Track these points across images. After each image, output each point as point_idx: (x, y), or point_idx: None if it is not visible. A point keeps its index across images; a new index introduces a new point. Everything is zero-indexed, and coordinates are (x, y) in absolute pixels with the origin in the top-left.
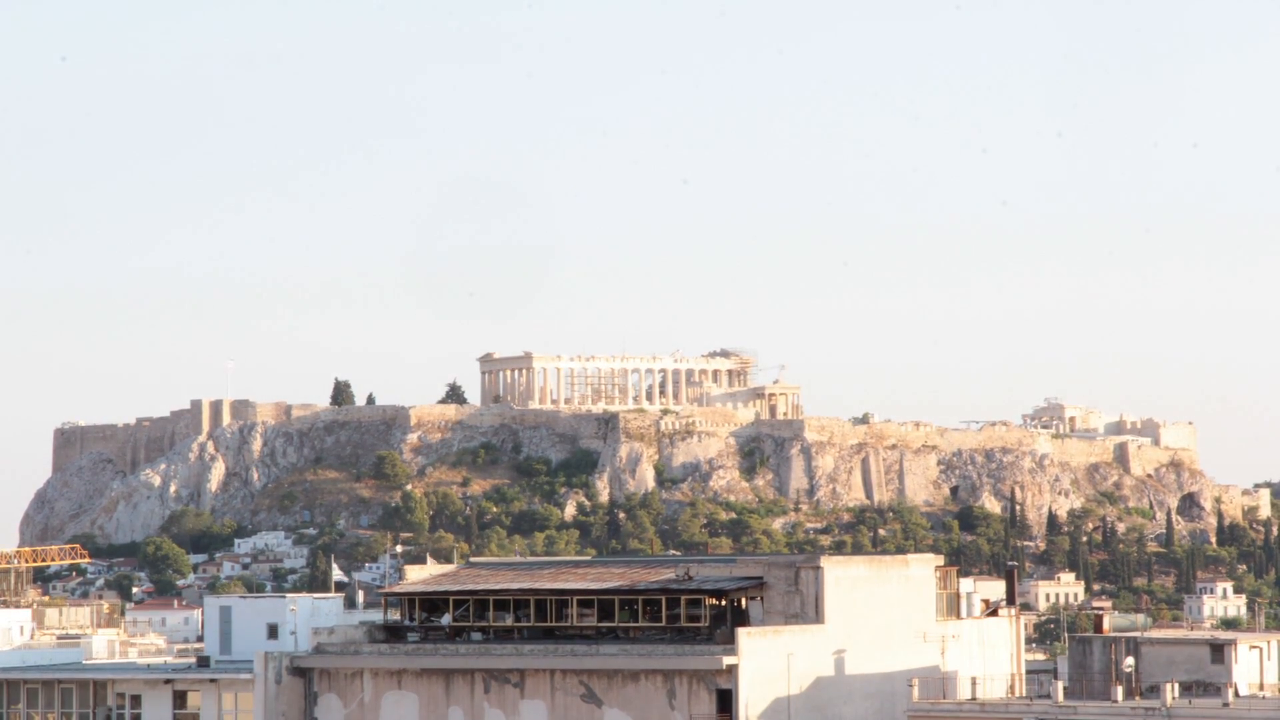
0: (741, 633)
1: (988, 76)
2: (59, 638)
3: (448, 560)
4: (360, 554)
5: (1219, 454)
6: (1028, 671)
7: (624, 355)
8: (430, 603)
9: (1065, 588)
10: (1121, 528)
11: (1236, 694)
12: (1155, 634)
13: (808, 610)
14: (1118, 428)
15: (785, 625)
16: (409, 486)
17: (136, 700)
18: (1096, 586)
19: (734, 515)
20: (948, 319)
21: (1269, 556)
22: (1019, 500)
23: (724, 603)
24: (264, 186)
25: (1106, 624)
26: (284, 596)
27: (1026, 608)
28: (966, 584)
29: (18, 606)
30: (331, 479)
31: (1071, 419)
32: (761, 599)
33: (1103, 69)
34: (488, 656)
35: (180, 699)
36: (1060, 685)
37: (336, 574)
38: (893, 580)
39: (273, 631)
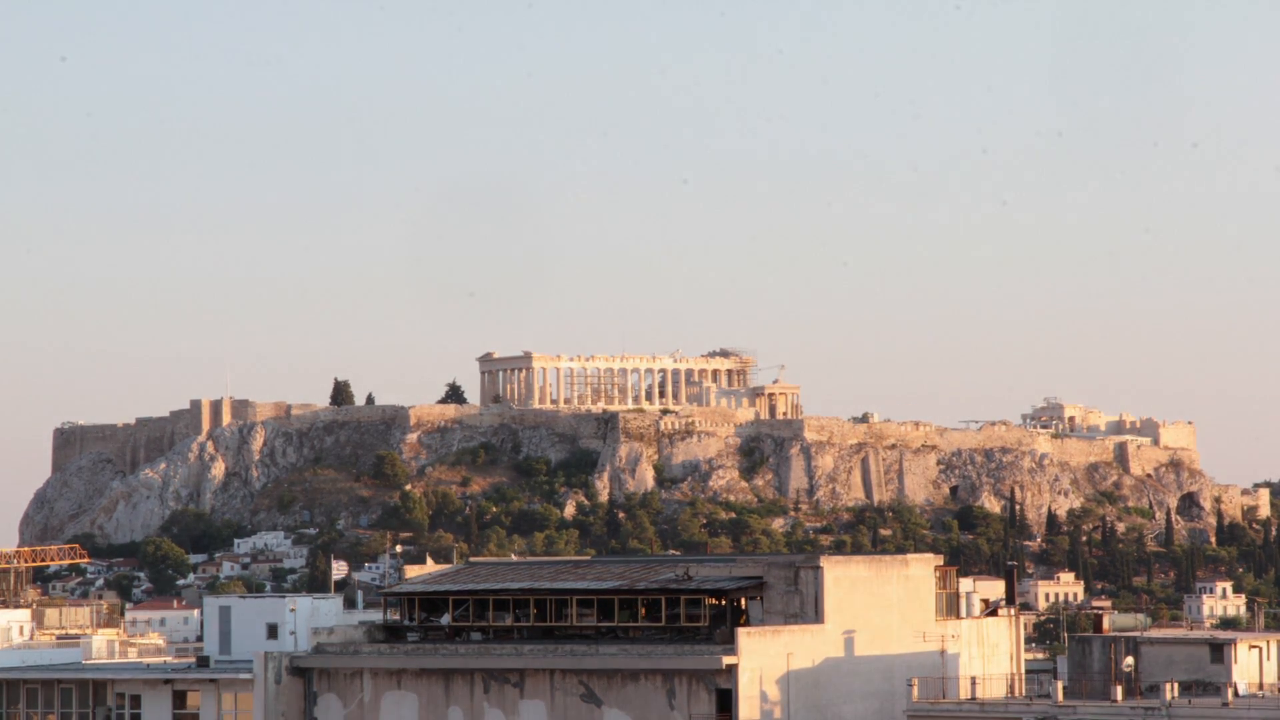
0: (741, 633)
1: (988, 76)
2: (58, 638)
3: (447, 560)
4: (360, 554)
5: (1219, 454)
6: (1027, 671)
7: (624, 355)
8: (430, 603)
9: (1065, 587)
10: (1121, 527)
11: (1236, 694)
12: (1155, 634)
13: (807, 610)
14: (1117, 427)
15: (785, 625)
16: (408, 486)
17: (136, 700)
18: (1097, 586)
19: (734, 515)
20: (948, 319)
21: (1268, 556)
22: (1019, 500)
23: (724, 603)
24: (264, 186)
25: (1106, 624)
26: (284, 596)
27: (1026, 607)
28: (966, 584)
29: (17, 606)
30: (331, 479)
31: (1071, 419)
32: (761, 599)
33: (1103, 69)
34: (487, 656)
35: (180, 699)
36: (1060, 685)
37: (339, 572)
38: (892, 580)
39: (272, 631)
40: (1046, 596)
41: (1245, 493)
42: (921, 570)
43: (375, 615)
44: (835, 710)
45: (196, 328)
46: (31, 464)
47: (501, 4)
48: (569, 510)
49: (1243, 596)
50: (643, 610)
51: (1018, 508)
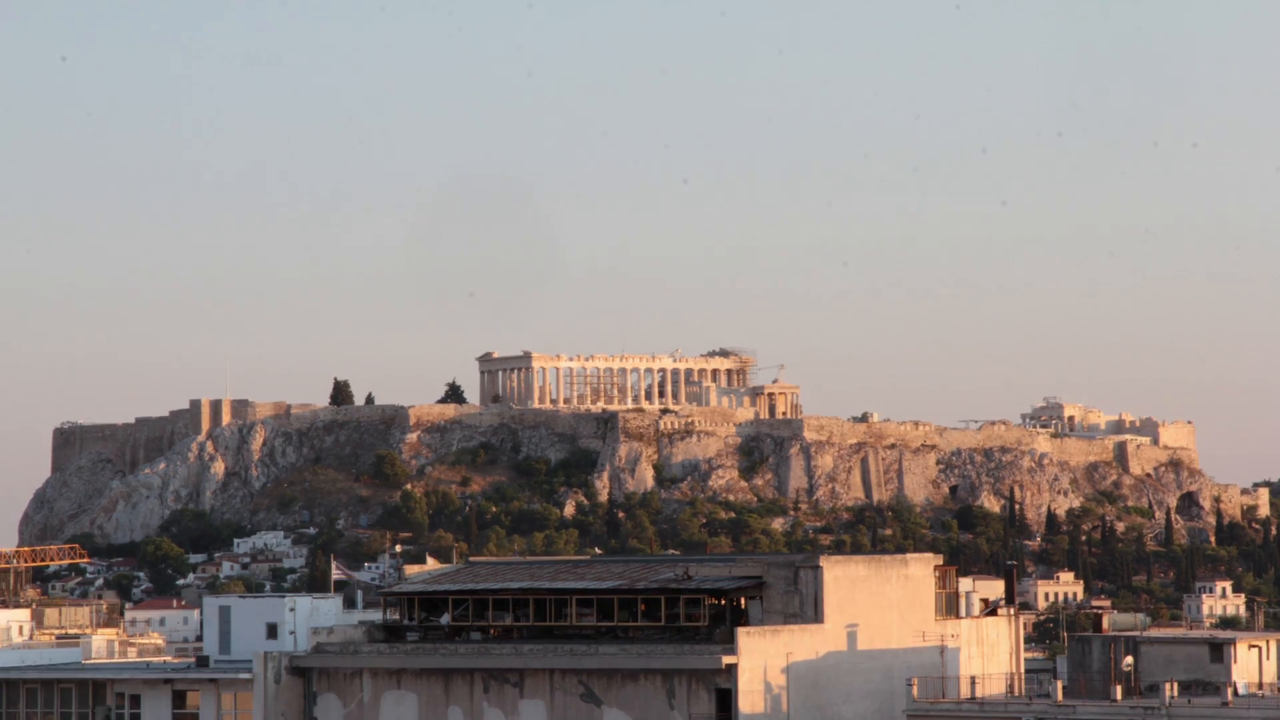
0: (741, 632)
1: (988, 76)
2: (58, 637)
3: (447, 560)
4: (360, 554)
5: (1218, 453)
6: (1027, 671)
7: (623, 355)
8: (430, 602)
9: (1064, 587)
10: (1121, 527)
11: (1235, 693)
12: (1154, 633)
13: (807, 610)
14: (1117, 427)
15: (784, 625)
16: (408, 486)
17: (136, 700)
18: (1096, 586)
19: (733, 515)
20: (948, 319)
21: (1268, 556)
22: (1018, 499)
23: (723, 602)
24: (263, 185)
25: (1105, 623)
26: (283, 596)
27: (1025, 607)
28: (965, 583)
29: (17, 606)
30: (331, 479)
31: (1071, 418)
32: (761, 598)
33: (1103, 69)
34: (487, 656)
35: (180, 699)
36: (1059, 684)
37: (337, 574)
38: (892, 580)
39: (272, 631)
40: (1046, 596)
41: (1245, 492)
42: (921, 570)
43: (375, 615)
44: (835, 709)
45: (196, 328)
46: (31, 464)
47: (501, 4)
48: (569, 510)
49: (1242, 596)
50: (642, 609)
51: (1017, 507)
